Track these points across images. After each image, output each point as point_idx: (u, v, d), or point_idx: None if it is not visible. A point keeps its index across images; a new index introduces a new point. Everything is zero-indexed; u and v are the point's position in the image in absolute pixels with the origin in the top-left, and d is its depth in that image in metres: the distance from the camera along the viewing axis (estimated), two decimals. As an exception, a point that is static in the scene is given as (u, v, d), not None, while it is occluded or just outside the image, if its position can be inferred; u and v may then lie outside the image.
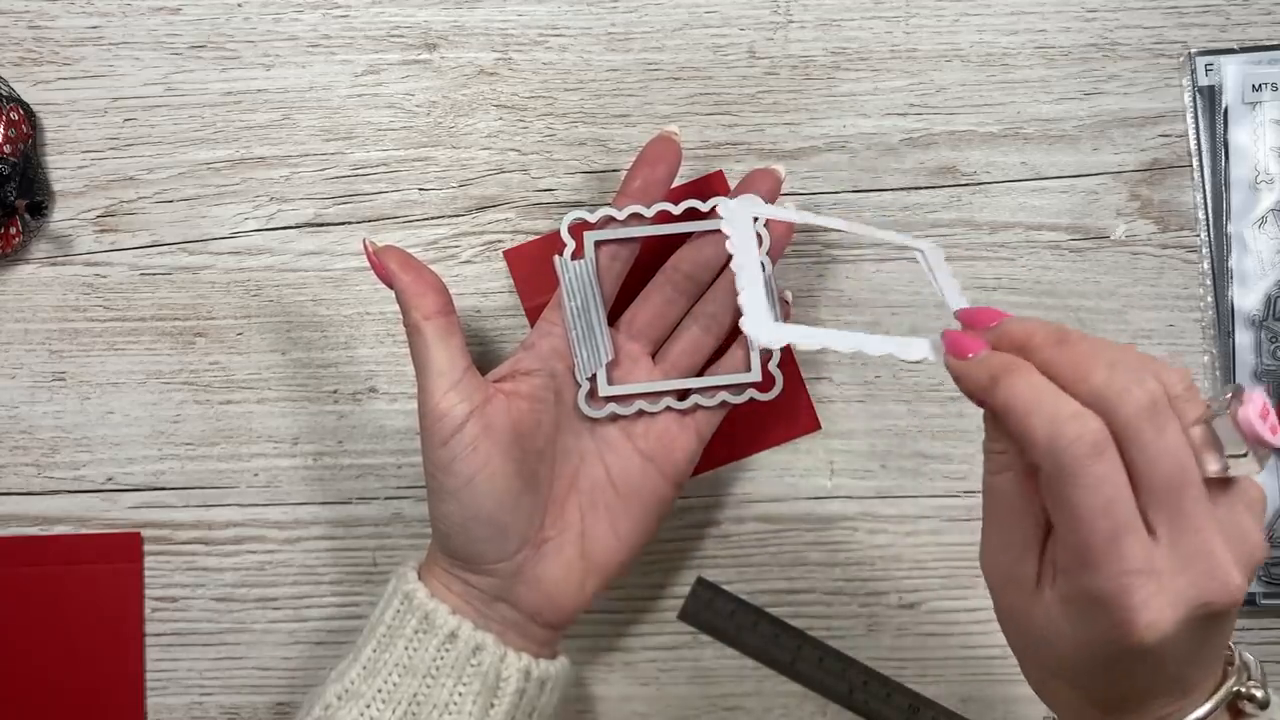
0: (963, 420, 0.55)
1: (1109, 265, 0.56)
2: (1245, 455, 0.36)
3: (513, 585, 0.48)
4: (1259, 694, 0.39)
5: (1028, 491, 0.37)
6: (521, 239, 0.56)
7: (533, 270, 0.55)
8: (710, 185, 0.55)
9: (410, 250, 0.55)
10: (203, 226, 0.56)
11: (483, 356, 0.56)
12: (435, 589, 0.48)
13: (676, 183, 0.55)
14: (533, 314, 0.55)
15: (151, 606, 0.56)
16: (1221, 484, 0.36)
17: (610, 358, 0.50)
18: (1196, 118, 0.56)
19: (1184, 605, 0.35)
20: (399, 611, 0.47)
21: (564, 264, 0.49)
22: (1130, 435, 0.35)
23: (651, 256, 0.52)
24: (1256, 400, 0.36)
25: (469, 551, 0.47)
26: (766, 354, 0.51)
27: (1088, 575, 0.35)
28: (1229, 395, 0.36)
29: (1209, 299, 0.55)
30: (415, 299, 0.47)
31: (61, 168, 0.56)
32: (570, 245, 0.49)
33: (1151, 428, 0.35)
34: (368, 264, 0.48)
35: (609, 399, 0.50)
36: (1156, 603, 0.35)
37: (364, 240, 0.48)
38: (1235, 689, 0.39)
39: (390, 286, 0.47)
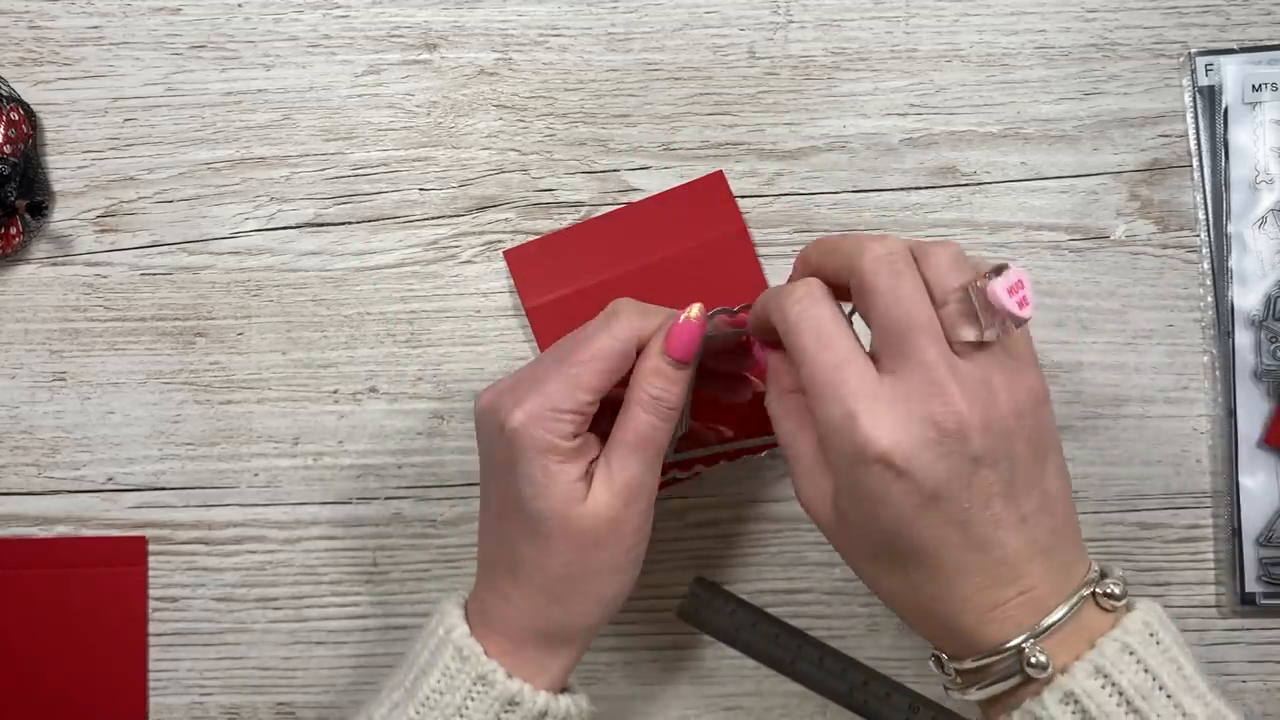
0: (963, 420, 0.55)
1: (1109, 265, 0.56)
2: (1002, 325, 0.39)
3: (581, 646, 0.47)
4: (1116, 589, 0.40)
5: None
6: (521, 239, 0.56)
7: (533, 270, 0.55)
8: (710, 186, 0.55)
9: (410, 250, 0.56)
10: (203, 226, 0.56)
11: (482, 356, 0.56)
12: (508, 661, 0.45)
13: (675, 183, 0.55)
14: (533, 314, 0.55)
15: (152, 606, 0.56)
16: (979, 346, 0.39)
17: (684, 430, 0.48)
18: (1196, 118, 0.56)
19: (912, 422, 0.38)
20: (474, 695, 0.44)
21: None
22: (865, 283, 0.39)
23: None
24: (1011, 275, 0.38)
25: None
26: None
27: (821, 407, 0.39)
28: (992, 269, 0.39)
29: (1209, 299, 0.55)
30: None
31: (62, 168, 0.56)
32: None
33: (886, 276, 0.39)
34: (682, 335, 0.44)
35: (673, 464, 0.49)
36: (884, 418, 0.38)
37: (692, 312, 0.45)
38: (1092, 589, 0.40)
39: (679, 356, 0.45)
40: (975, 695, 0.40)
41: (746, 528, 0.56)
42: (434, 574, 0.56)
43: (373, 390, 0.56)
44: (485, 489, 0.47)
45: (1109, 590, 0.40)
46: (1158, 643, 0.39)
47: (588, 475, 0.44)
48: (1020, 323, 0.39)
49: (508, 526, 0.45)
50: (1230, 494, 0.55)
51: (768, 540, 0.56)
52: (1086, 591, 0.40)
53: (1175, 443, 0.55)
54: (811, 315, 0.40)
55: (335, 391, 0.56)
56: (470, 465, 0.56)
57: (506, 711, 0.43)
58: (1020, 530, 0.39)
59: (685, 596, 0.56)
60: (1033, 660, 0.39)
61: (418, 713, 0.43)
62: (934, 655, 0.42)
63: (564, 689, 0.46)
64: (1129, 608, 0.40)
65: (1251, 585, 0.54)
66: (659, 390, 0.44)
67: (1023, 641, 0.39)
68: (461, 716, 0.43)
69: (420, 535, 0.56)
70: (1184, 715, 0.38)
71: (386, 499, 0.56)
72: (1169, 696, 0.38)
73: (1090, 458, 0.55)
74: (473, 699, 0.43)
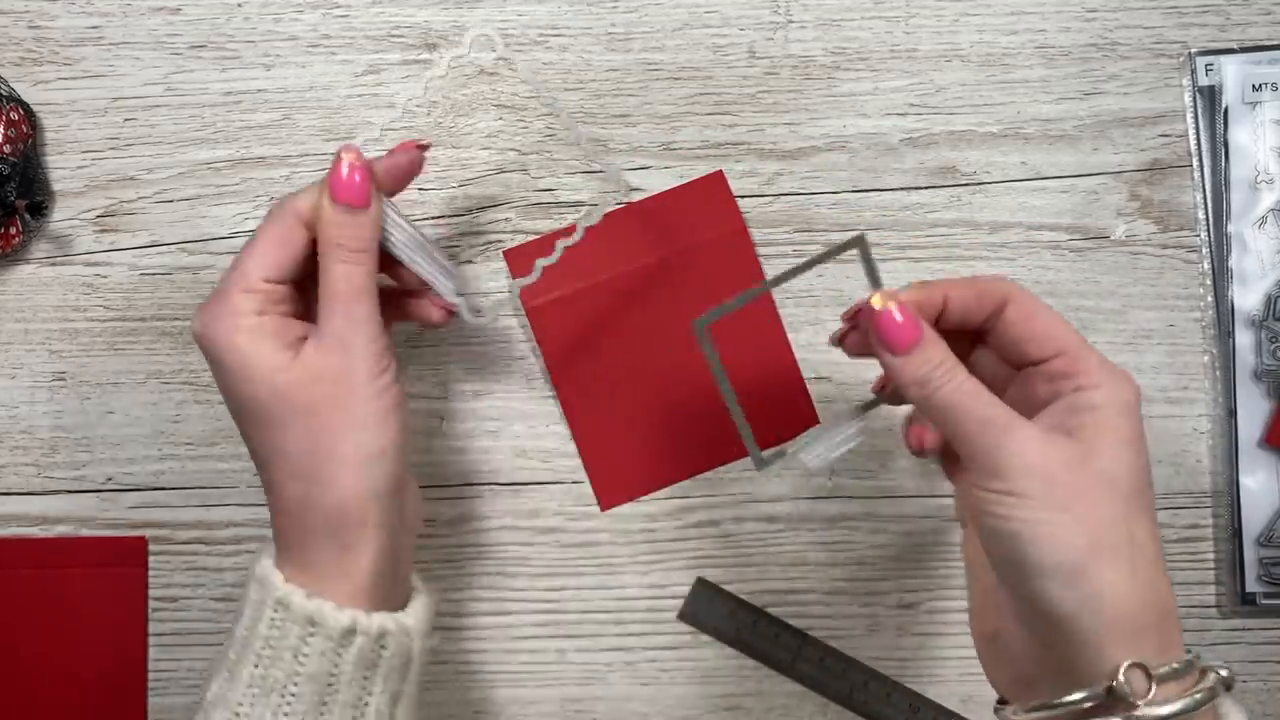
0: (963, 420, 0.55)
1: (1109, 265, 0.56)
2: None
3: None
4: (1224, 672, 0.39)
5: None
6: (521, 239, 0.56)
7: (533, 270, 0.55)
8: (709, 185, 0.55)
9: (410, 250, 0.56)
10: (203, 226, 0.56)
11: (482, 356, 0.56)
12: (307, 578, 0.43)
13: (675, 183, 0.55)
14: (533, 314, 0.55)
15: (152, 606, 0.56)
16: None
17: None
18: (1196, 118, 0.56)
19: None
20: (278, 623, 0.42)
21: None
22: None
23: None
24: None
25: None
26: None
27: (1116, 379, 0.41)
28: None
29: (1209, 299, 0.55)
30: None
31: (61, 168, 0.56)
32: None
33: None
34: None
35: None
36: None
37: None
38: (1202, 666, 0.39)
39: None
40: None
41: (746, 528, 0.56)
42: (434, 574, 0.56)
43: (373, 390, 0.56)
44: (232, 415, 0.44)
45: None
46: None
47: (296, 348, 0.43)
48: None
49: (245, 434, 0.44)
50: (1230, 494, 0.55)
51: (768, 540, 0.56)
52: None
53: (1175, 442, 0.55)
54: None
55: (335, 391, 0.56)
56: (470, 466, 0.56)
57: (310, 636, 0.41)
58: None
59: (686, 597, 0.56)
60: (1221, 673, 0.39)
61: (236, 655, 0.42)
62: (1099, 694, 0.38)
63: (385, 600, 0.43)
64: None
65: (1252, 585, 0.54)
66: (336, 234, 0.43)
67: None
68: (271, 648, 0.41)
69: (420, 535, 0.56)
70: None
71: (386, 499, 0.56)
72: None
73: (1090, 458, 0.55)
74: (276, 628, 0.41)
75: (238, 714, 0.41)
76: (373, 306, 0.43)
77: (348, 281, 0.43)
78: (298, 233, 0.44)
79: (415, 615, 0.44)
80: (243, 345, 0.42)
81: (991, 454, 0.39)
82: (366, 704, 0.42)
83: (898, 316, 0.41)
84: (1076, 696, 0.38)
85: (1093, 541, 0.38)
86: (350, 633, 0.41)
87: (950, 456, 0.45)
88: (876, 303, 0.41)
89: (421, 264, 0.47)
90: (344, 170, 0.44)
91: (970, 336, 0.43)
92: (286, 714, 0.41)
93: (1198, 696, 0.37)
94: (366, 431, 0.42)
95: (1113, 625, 0.38)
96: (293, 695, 0.41)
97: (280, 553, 0.43)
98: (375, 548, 0.43)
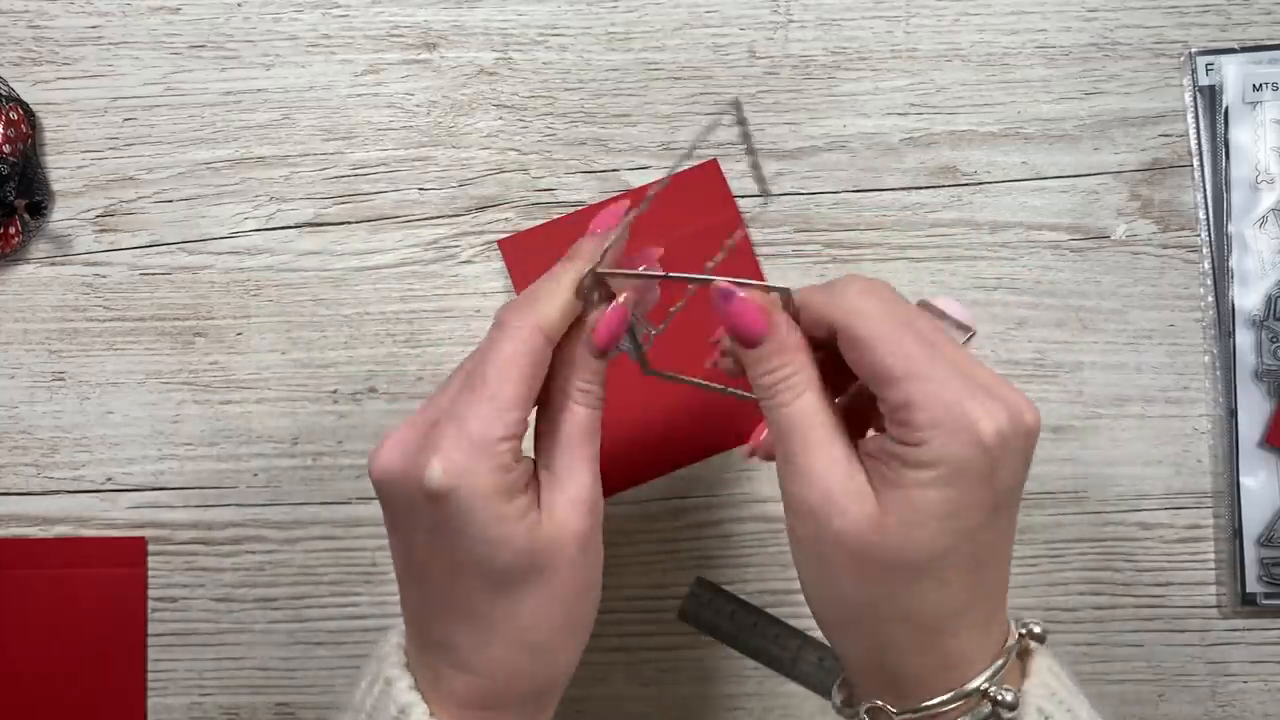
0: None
1: (1109, 265, 0.56)
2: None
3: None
4: (1037, 629, 0.39)
5: (830, 405, 0.38)
6: (521, 239, 0.56)
7: (528, 259, 0.55)
8: (705, 174, 0.55)
9: (410, 250, 0.56)
10: (202, 226, 0.56)
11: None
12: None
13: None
14: (532, 314, 0.55)
15: (151, 607, 0.56)
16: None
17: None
18: (1197, 117, 0.56)
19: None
20: None
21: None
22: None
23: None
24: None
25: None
26: None
27: (905, 385, 0.36)
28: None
29: (1209, 299, 0.55)
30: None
31: (61, 167, 0.56)
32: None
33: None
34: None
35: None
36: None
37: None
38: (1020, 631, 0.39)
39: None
40: None
41: (746, 528, 0.56)
42: (434, 574, 0.56)
43: (372, 390, 0.56)
44: (407, 559, 0.39)
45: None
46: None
47: (533, 499, 0.38)
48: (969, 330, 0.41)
49: (461, 592, 0.38)
50: (1231, 494, 0.55)
51: (768, 540, 0.56)
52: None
53: (1176, 443, 0.55)
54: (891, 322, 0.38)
55: (335, 391, 0.56)
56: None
57: None
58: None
59: (686, 597, 0.56)
60: (999, 697, 0.37)
61: None
62: (871, 707, 0.38)
63: None
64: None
65: (1252, 585, 0.54)
66: (589, 383, 0.40)
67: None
68: None
69: (420, 535, 0.56)
70: None
71: (386, 499, 0.56)
72: None
73: (1090, 458, 0.55)
74: None
75: None
76: (598, 461, 0.40)
77: (592, 430, 0.39)
78: (547, 358, 0.39)
79: None
80: (505, 509, 0.37)
81: (793, 499, 0.38)
82: None
83: (757, 314, 0.38)
84: None
85: (845, 615, 0.38)
86: None
87: None
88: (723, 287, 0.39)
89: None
90: (615, 321, 0.40)
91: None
92: None
93: None
94: (594, 594, 0.39)
95: (857, 679, 0.39)
96: None
97: (445, 704, 0.38)
98: (555, 704, 0.40)
